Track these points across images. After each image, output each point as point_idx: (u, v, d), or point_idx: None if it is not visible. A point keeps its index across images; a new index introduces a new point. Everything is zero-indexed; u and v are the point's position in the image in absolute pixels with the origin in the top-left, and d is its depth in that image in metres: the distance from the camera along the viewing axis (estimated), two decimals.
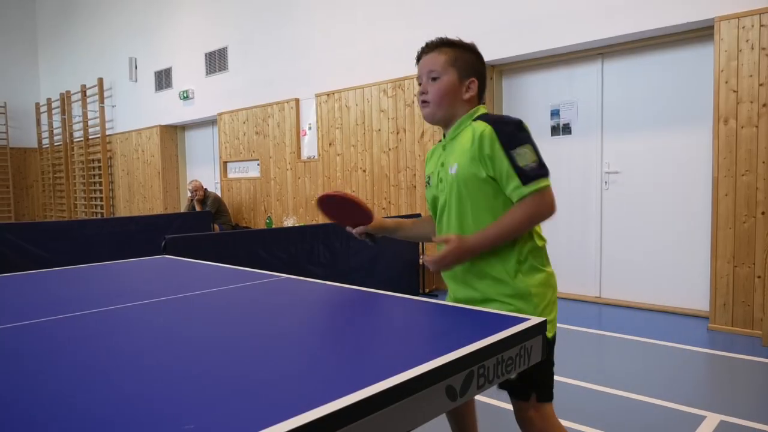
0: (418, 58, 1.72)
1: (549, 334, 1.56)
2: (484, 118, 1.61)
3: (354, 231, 1.85)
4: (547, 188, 1.54)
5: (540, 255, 1.66)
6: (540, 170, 1.52)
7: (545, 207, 1.55)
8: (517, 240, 1.58)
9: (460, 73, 1.65)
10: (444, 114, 1.66)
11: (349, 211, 1.82)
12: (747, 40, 3.91)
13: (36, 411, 0.82)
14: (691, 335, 4.00)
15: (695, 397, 2.89)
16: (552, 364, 1.69)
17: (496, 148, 1.52)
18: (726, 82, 4.01)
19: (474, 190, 1.57)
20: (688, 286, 4.58)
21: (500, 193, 1.56)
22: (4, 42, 13.41)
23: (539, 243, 1.66)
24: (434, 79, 1.64)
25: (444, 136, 1.72)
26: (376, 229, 1.84)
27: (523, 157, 1.51)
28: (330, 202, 1.81)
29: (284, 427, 0.73)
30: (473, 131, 1.57)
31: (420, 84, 1.69)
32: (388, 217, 1.93)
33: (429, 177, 1.75)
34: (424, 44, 1.71)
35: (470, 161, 1.55)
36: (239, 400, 0.84)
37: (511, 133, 1.53)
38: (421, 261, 1.36)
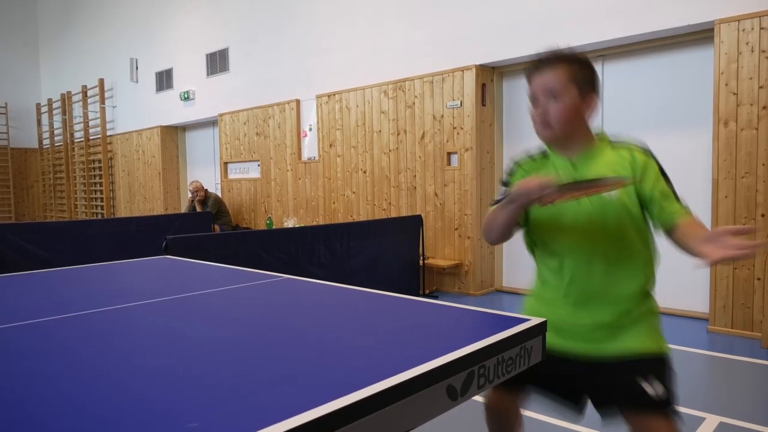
0: (529, 76, 1.60)
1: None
2: (626, 144, 1.64)
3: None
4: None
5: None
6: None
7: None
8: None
9: (580, 90, 1.55)
10: (566, 134, 1.57)
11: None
12: (747, 43, 3.92)
13: (40, 410, 0.83)
14: (690, 337, 4.00)
15: (695, 398, 2.89)
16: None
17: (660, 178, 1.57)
18: (726, 85, 4.02)
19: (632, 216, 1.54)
20: (688, 288, 4.58)
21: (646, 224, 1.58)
22: (6, 43, 13.43)
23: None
24: (555, 98, 1.53)
25: (550, 152, 1.65)
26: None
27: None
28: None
29: (286, 426, 0.73)
30: (632, 156, 1.59)
31: (535, 104, 1.57)
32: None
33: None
34: (537, 60, 1.61)
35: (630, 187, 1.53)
36: (241, 399, 0.85)
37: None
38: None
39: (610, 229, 1.54)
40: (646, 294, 1.64)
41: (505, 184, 1.69)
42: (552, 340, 1.53)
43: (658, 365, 1.55)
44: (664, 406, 1.47)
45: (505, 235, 1.59)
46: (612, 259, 1.55)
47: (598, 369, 1.58)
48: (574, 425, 2.58)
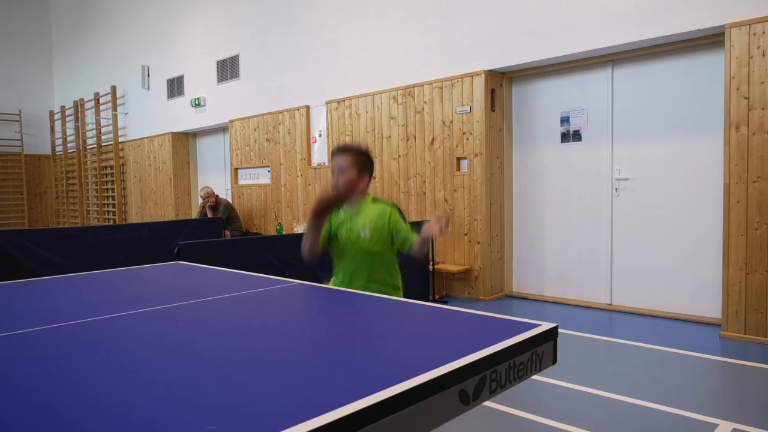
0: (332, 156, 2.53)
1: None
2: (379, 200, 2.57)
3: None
4: None
5: None
6: None
7: None
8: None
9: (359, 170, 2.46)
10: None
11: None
12: (758, 47, 3.91)
13: (61, 412, 0.84)
14: (703, 343, 3.97)
15: (707, 404, 2.87)
16: None
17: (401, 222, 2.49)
18: (737, 89, 4.00)
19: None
20: (700, 293, 4.55)
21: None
22: (21, 52, 13.62)
23: None
24: (342, 173, 2.43)
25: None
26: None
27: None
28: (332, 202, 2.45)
29: (300, 429, 0.74)
30: (382, 208, 2.49)
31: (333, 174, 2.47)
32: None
33: (336, 232, 2.52)
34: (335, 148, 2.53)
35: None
36: (258, 402, 0.86)
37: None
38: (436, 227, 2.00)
39: (364, 256, 2.48)
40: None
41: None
42: None
43: None
44: None
45: (314, 250, 2.47)
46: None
47: None
48: (572, 426, 2.57)
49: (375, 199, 2.57)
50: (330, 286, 2.46)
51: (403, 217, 2.53)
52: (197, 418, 0.81)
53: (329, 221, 2.54)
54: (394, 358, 1.09)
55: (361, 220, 2.47)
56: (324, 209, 2.33)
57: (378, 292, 2.34)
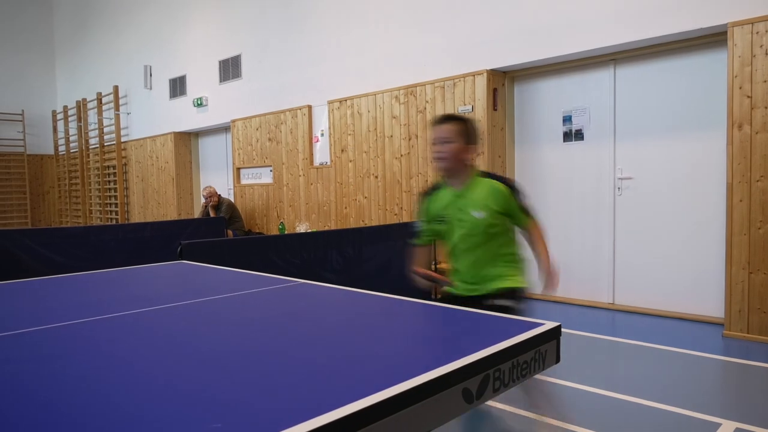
0: (432, 126, 2.38)
1: (526, 285, 2.47)
2: (490, 176, 2.40)
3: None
4: None
5: None
6: None
7: None
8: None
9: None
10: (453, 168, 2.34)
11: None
12: (761, 46, 3.90)
13: (65, 410, 0.85)
14: (705, 342, 3.97)
15: (710, 404, 2.87)
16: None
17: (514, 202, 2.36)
18: (740, 88, 4.00)
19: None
20: (703, 292, 4.54)
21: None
22: (23, 52, 13.64)
23: None
24: (446, 143, 2.29)
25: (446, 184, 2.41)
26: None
27: None
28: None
29: (305, 428, 0.75)
30: (492, 186, 2.33)
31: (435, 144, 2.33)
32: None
33: (443, 216, 2.40)
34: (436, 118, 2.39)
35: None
36: (262, 400, 0.86)
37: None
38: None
39: (476, 236, 2.35)
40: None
41: (419, 215, 2.55)
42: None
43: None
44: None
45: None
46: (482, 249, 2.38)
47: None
48: (575, 425, 2.57)
49: (484, 174, 2.37)
50: (453, 291, 2.49)
51: (520, 198, 2.36)
52: (202, 416, 0.81)
53: (427, 211, 2.45)
54: (398, 356, 1.09)
55: (473, 199, 2.31)
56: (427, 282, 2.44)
57: (508, 275, 2.38)
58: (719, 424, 2.61)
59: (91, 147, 12.50)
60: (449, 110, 5.76)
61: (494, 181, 2.34)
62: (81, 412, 0.84)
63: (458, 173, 2.34)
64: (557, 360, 1.24)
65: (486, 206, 2.29)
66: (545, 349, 1.20)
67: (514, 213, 2.35)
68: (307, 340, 1.24)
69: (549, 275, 2.31)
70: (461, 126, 2.31)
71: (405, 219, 6.22)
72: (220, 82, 8.94)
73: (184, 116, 9.86)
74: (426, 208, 2.47)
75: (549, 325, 1.24)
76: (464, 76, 5.59)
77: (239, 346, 1.19)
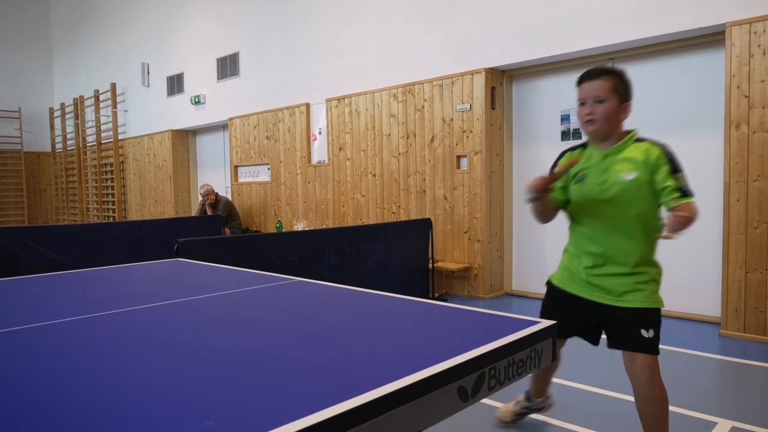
0: (579, 83, 2.09)
1: (663, 305, 2.09)
2: (646, 140, 2.08)
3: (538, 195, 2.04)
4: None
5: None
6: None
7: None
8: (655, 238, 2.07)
9: (619, 98, 2.05)
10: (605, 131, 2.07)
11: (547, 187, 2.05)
12: (759, 45, 3.90)
13: (58, 409, 0.84)
14: (702, 341, 3.98)
15: (706, 403, 2.87)
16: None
17: (666, 169, 1.96)
18: (738, 87, 4.00)
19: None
20: (700, 292, 4.55)
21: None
22: (20, 49, 13.61)
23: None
24: (600, 102, 2.02)
25: (589, 144, 2.16)
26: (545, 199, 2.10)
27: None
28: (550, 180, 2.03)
29: (298, 426, 0.74)
30: (647, 151, 2.01)
31: (583, 105, 2.06)
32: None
33: (583, 175, 2.10)
34: (588, 71, 2.09)
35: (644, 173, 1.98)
36: (255, 399, 0.86)
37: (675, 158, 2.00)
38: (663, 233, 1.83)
39: (621, 206, 2.00)
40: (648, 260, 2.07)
41: (552, 168, 2.19)
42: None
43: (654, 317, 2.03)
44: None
45: (546, 218, 2.21)
46: (624, 230, 2.02)
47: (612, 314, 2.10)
48: (571, 423, 2.57)
49: (640, 139, 2.08)
50: (561, 284, 2.17)
51: (675, 164, 1.97)
52: (194, 413, 0.81)
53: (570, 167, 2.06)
54: (393, 354, 1.09)
55: (626, 160, 2.00)
56: (542, 191, 1.98)
57: (640, 273, 2.01)
58: (715, 423, 2.61)
59: (88, 144, 12.48)
60: (447, 109, 5.76)
61: (651, 144, 2.03)
62: (75, 410, 0.84)
63: (611, 137, 2.07)
64: (553, 358, 1.24)
65: (639, 168, 1.97)
66: (541, 347, 1.19)
67: (663, 181, 1.93)
68: (302, 337, 1.23)
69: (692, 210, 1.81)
70: (616, 81, 2.02)
71: (402, 217, 6.22)
72: (218, 79, 8.92)
73: (181, 114, 9.84)
74: (566, 163, 2.08)
75: (545, 323, 1.24)
76: (462, 74, 5.59)
77: (234, 343, 1.19)
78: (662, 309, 2.08)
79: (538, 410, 2.65)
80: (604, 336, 2.24)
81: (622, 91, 2.04)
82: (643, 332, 2.00)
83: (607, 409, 2.82)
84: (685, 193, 1.90)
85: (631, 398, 2.94)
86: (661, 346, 3.90)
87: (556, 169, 2.07)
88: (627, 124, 2.21)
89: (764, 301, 3.94)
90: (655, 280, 2.07)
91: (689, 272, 4.62)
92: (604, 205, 2.03)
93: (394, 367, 0.99)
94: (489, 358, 1.04)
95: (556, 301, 2.24)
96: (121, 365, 1.05)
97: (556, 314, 2.09)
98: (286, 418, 0.76)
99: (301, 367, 1.02)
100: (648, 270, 2.04)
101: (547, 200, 2.08)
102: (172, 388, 0.92)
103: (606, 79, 2.01)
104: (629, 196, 1.98)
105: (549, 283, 2.31)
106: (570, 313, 2.18)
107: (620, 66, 4.93)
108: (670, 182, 1.91)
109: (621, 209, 2.00)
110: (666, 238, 1.82)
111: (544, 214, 2.17)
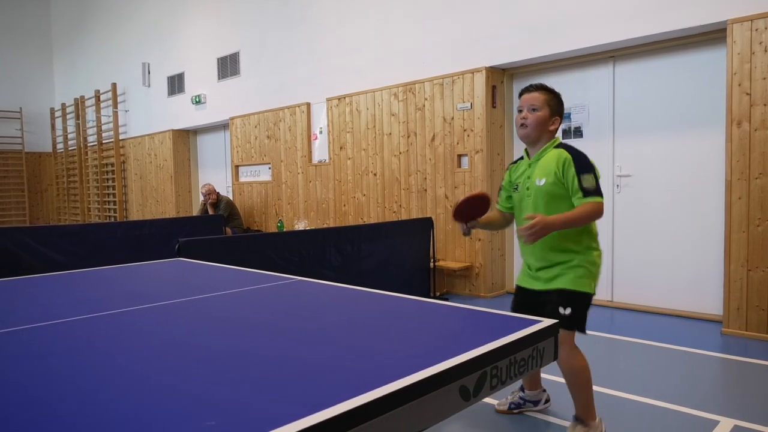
0: (520, 94, 2.44)
1: (591, 290, 2.38)
2: (562, 146, 2.36)
3: (465, 224, 2.44)
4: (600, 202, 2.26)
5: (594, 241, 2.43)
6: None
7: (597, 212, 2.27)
8: (582, 230, 2.34)
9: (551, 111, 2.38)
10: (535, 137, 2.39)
11: (474, 207, 2.41)
12: (760, 43, 3.89)
13: (59, 407, 0.84)
14: (704, 339, 3.97)
15: (709, 401, 2.87)
16: (588, 307, 2.40)
17: (572, 172, 2.25)
18: (739, 85, 3.99)
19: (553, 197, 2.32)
20: (702, 290, 4.54)
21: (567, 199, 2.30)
22: (21, 49, 13.61)
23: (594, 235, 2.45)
24: (533, 110, 2.35)
25: (527, 154, 2.47)
26: (475, 224, 2.46)
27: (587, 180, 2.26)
28: (470, 200, 2.39)
29: (301, 425, 0.74)
30: (559, 155, 2.29)
31: (521, 111, 2.39)
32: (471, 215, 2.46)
33: (516, 184, 2.47)
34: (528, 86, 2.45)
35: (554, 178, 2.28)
36: (256, 398, 0.86)
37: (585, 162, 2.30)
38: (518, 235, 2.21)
39: (538, 207, 2.33)
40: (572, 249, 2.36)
41: (501, 182, 2.60)
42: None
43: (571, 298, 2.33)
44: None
45: (499, 228, 2.72)
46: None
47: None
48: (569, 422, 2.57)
49: (560, 145, 2.36)
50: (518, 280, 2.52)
51: (581, 166, 2.25)
52: (196, 413, 0.81)
53: (508, 178, 2.52)
54: (395, 354, 1.08)
55: (541, 167, 2.33)
56: (462, 213, 2.37)
57: (562, 261, 2.31)
58: (717, 422, 2.61)
59: (89, 144, 12.48)
60: (448, 107, 5.76)
61: (563, 150, 2.32)
62: (76, 410, 0.83)
63: (539, 144, 2.39)
64: (555, 357, 1.23)
65: (549, 174, 2.27)
66: (543, 346, 1.19)
67: (569, 183, 2.24)
68: (303, 337, 1.23)
69: (536, 222, 2.10)
70: (550, 96, 2.39)
71: (403, 216, 6.21)
72: (219, 79, 8.92)
73: (182, 114, 9.84)
74: (507, 175, 2.56)
75: (546, 322, 1.24)
76: (463, 73, 5.58)
77: (235, 343, 1.19)
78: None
79: (536, 405, 2.75)
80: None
81: (554, 106, 2.38)
82: (561, 310, 2.32)
83: (607, 407, 2.82)
84: (587, 192, 2.22)
85: (631, 396, 2.95)
86: (664, 345, 3.89)
87: (455, 218, 2.47)
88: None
89: (766, 299, 3.93)
90: (582, 266, 2.33)
91: (691, 270, 4.61)
92: (527, 209, 2.37)
93: (395, 366, 0.99)
94: (490, 358, 1.04)
95: (517, 296, 2.61)
96: (121, 365, 1.05)
97: (517, 308, 2.53)
98: (287, 418, 0.76)
99: (302, 366, 1.02)
100: (573, 257, 2.33)
101: (486, 219, 2.49)
102: (173, 388, 0.92)
103: (543, 92, 2.39)
104: (543, 198, 2.31)
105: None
106: (521, 305, 2.53)
107: (621, 64, 4.95)
108: (575, 184, 2.23)
109: (540, 210, 2.30)
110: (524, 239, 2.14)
111: (494, 227, 2.63)
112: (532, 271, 2.46)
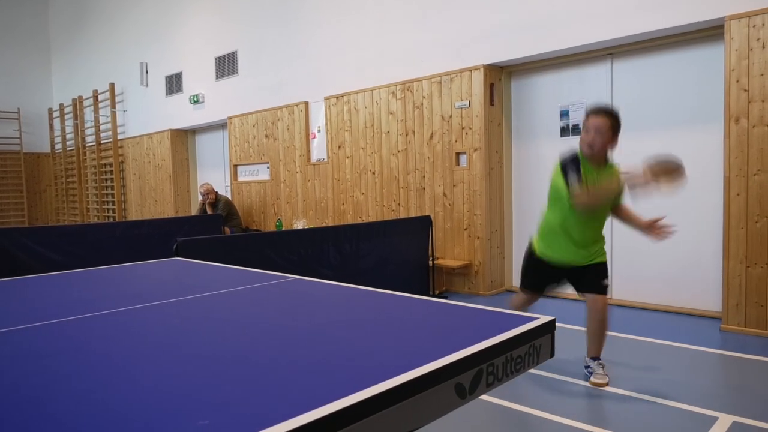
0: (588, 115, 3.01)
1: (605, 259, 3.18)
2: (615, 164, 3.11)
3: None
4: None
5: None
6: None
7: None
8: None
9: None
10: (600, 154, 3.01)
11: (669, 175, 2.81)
12: (758, 39, 3.89)
13: (56, 408, 0.84)
14: (703, 336, 3.97)
15: (708, 398, 2.87)
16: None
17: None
18: (737, 81, 3.99)
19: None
20: (700, 286, 4.54)
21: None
22: (18, 49, 13.59)
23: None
24: (600, 134, 2.90)
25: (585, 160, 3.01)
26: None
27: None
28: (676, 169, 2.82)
29: (295, 423, 0.74)
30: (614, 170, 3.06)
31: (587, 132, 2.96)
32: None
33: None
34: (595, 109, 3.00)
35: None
36: (251, 397, 0.85)
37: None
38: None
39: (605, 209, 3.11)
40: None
41: (577, 169, 2.92)
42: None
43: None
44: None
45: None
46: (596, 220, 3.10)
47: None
48: (571, 419, 2.57)
49: (613, 160, 3.05)
50: (553, 258, 3.08)
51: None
52: (190, 412, 0.80)
53: (582, 171, 2.95)
54: (390, 351, 1.08)
55: (607, 176, 2.93)
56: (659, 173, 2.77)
57: (595, 242, 3.08)
58: (716, 418, 2.61)
59: (87, 145, 12.47)
60: (446, 106, 5.75)
61: (617, 166, 3.00)
62: (71, 410, 0.83)
63: (603, 160, 2.96)
64: (552, 354, 1.23)
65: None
66: (540, 343, 1.19)
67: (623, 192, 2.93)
68: (301, 335, 1.23)
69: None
70: (614, 121, 2.88)
71: (402, 215, 6.21)
72: (217, 78, 8.91)
73: (180, 113, 9.83)
74: (579, 168, 2.94)
75: (543, 319, 1.24)
76: (461, 71, 5.58)
77: (233, 342, 1.18)
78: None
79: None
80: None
81: (616, 130, 2.92)
82: (604, 281, 3.08)
83: (605, 404, 2.82)
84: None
85: (629, 393, 2.95)
86: (663, 342, 3.90)
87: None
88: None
89: (765, 296, 3.93)
90: (604, 249, 3.20)
91: (690, 267, 4.62)
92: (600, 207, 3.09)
93: (392, 364, 0.98)
94: (487, 355, 1.04)
95: (547, 267, 3.19)
96: (117, 365, 1.05)
97: (542, 278, 3.25)
98: (282, 416, 0.76)
99: (297, 364, 1.01)
100: (602, 240, 3.19)
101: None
102: (169, 387, 0.91)
103: (609, 118, 2.88)
104: (607, 202, 3.09)
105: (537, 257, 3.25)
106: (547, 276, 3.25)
107: (619, 61, 4.95)
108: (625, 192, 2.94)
109: (602, 208, 3.10)
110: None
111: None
112: (574, 250, 3.07)
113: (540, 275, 3.21)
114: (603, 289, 3.06)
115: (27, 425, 0.78)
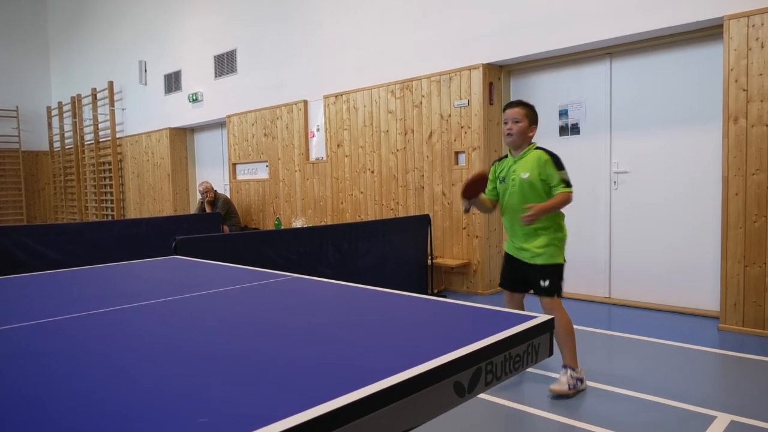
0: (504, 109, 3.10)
1: (562, 261, 3.03)
2: (540, 149, 3.01)
3: (469, 201, 2.92)
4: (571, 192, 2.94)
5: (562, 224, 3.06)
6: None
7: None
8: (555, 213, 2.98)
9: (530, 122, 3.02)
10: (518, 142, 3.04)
11: (477, 185, 2.89)
12: (757, 39, 3.89)
13: (54, 407, 0.84)
14: (701, 335, 3.98)
15: (706, 397, 2.87)
16: (562, 275, 3.04)
17: (552, 169, 2.91)
18: (736, 81, 3.99)
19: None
20: (699, 286, 4.55)
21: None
22: (17, 48, 13.57)
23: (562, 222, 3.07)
24: (516, 122, 2.97)
25: (511, 154, 3.10)
26: (476, 201, 2.97)
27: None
28: (476, 179, 2.88)
29: (295, 421, 0.74)
30: (539, 155, 2.96)
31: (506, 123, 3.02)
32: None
33: (502, 177, 3.07)
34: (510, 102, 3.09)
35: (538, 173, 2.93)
36: (250, 395, 0.86)
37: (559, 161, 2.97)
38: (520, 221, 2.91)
39: (522, 195, 2.98)
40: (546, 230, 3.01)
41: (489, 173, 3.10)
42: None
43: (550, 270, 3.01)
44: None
45: (488, 211, 3.20)
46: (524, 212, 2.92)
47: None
48: (569, 418, 2.57)
49: (538, 147, 2.99)
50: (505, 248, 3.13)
51: (558, 165, 2.91)
52: (189, 410, 0.80)
53: (494, 172, 3.11)
54: (389, 350, 1.08)
55: (524, 164, 2.95)
56: (470, 191, 2.85)
57: (531, 236, 2.95)
58: (714, 417, 2.61)
59: (86, 143, 12.46)
60: (445, 105, 5.75)
61: (542, 152, 2.94)
62: (69, 408, 0.83)
63: (521, 147, 3.01)
64: (550, 353, 1.23)
65: (532, 169, 2.90)
66: (538, 342, 1.19)
67: (550, 178, 2.87)
68: (299, 334, 1.23)
69: (535, 209, 2.80)
70: (528, 109, 2.99)
71: (401, 214, 6.21)
72: (216, 77, 8.90)
73: (179, 112, 9.82)
74: (492, 170, 3.15)
75: (542, 317, 1.24)
76: (460, 70, 5.58)
77: (231, 340, 1.18)
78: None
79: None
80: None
81: (531, 117, 3.00)
82: (541, 282, 2.98)
83: (604, 403, 2.82)
84: (567, 184, 2.87)
85: (628, 392, 2.95)
86: (661, 341, 3.91)
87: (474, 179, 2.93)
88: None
89: (763, 295, 3.94)
90: (553, 244, 2.96)
91: (688, 267, 4.62)
92: (513, 196, 3.00)
93: (391, 362, 0.99)
94: (485, 354, 1.04)
95: (507, 261, 3.19)
96: (116, 364, 1.05)
97: (506, 272, 3.20)
98: (282, 415, 0.76)
99: (296, 363, 1.01)
100: (543, 236, 2.96)
101: (482, 199, 3.01)
102: (167, 385, 0.91)
103: (522, 107, 2.99)
104: (526, 188, 2.94)
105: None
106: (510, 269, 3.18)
107: (618, 60, 4.95)
108: (556, 178, 2.87)
109: (520, 197, 2.95)
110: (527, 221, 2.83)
111: (484, 209, 3.12)
112: (516, 244, 3.07)
113: (507, 270, 3.18)
114: (543, 291, 2.97)
115: (26, 425, 0.78)
